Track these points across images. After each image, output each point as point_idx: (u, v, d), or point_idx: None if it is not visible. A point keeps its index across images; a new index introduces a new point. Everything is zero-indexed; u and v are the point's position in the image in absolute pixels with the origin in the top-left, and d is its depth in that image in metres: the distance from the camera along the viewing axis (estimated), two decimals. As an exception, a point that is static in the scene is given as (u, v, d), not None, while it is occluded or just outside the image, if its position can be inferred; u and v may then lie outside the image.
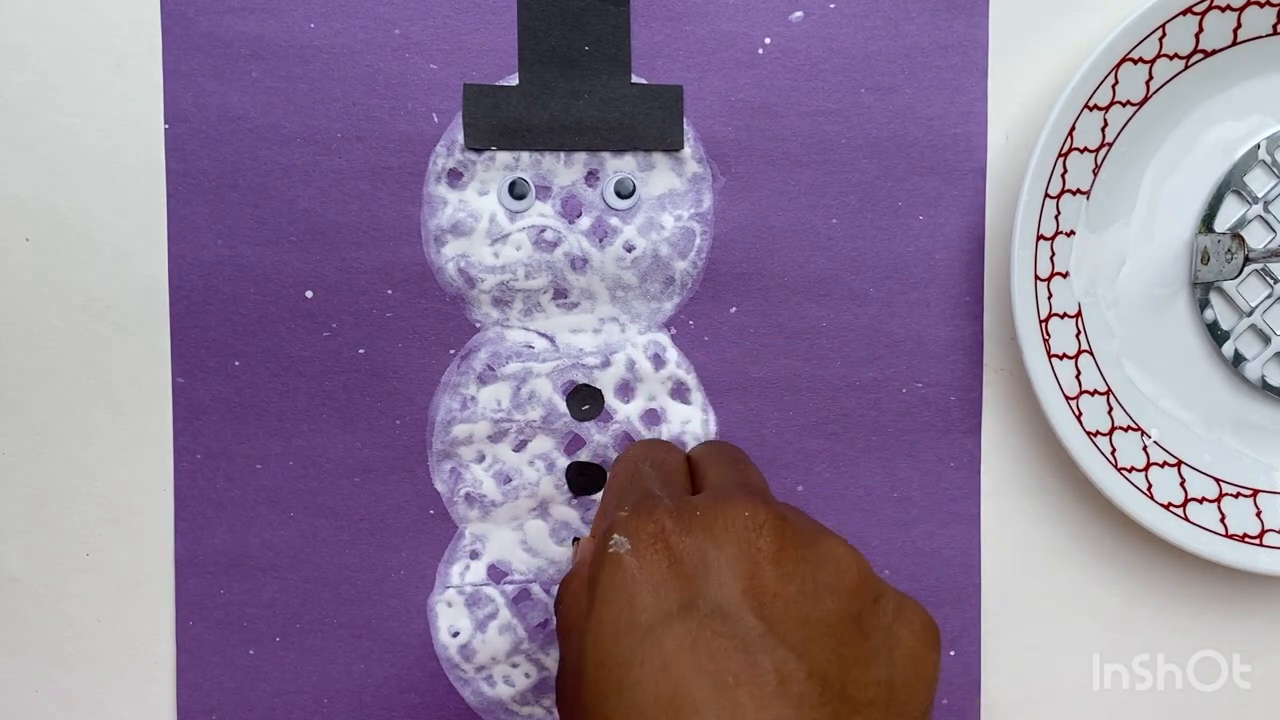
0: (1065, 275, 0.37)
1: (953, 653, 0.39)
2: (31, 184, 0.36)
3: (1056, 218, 0.36)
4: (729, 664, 0.24)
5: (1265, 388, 0.39)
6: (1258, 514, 0.38)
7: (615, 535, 0.27)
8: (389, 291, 0.37)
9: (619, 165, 0.37)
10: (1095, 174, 0.37)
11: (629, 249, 0.37)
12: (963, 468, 0.38)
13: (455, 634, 0.38)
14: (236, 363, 0.37)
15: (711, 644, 0.24)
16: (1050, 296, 0.37)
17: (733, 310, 0.37)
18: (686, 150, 0.37)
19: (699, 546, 0.26)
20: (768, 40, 0.37)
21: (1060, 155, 0.36)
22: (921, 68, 0.37)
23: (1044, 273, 0.36)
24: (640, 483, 0.31)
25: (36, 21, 0.36)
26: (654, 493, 0.29)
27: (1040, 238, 0.36)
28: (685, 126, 0.37)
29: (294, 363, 0.37)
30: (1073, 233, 0.37)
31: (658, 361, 0.37)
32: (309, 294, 0.37)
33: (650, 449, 0.34)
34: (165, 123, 0.36)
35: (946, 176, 0.37)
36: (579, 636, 0.27)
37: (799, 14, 0.37)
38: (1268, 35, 0.37)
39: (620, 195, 0.37)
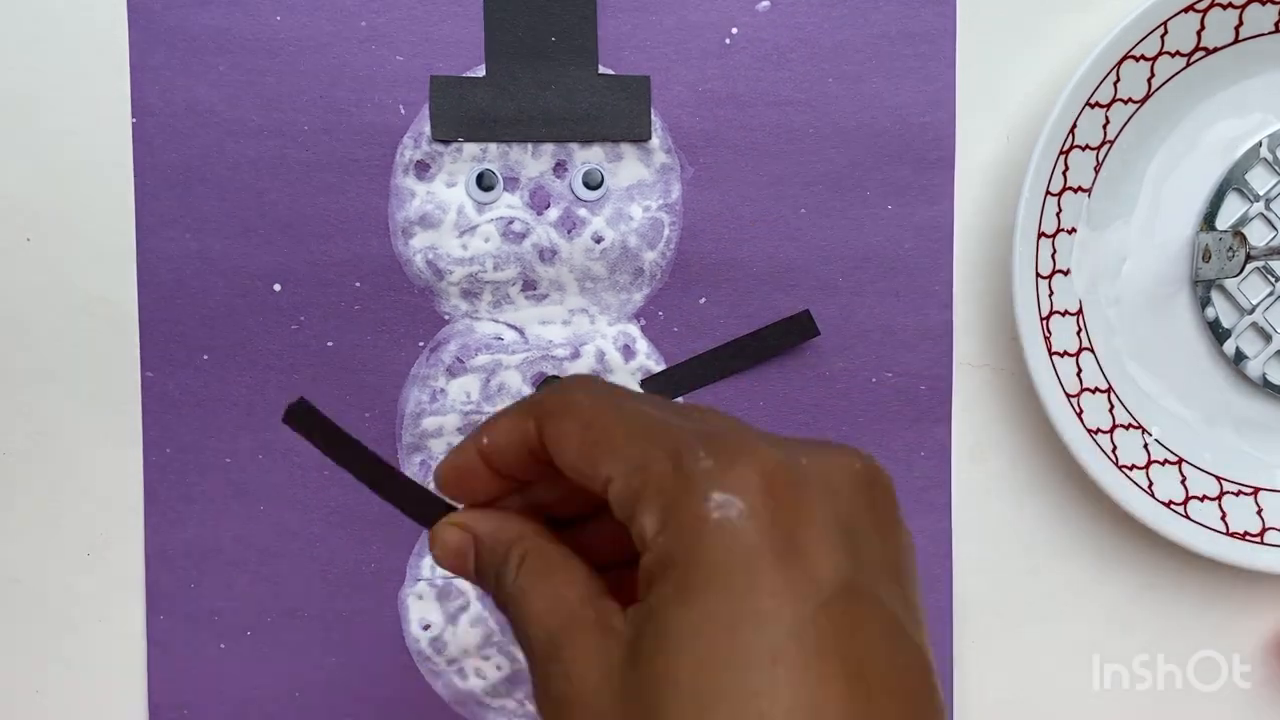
0: (1066, 273, 0.37)
1: (924, 644, 0.38)
2: (32, 184, 0.36)
3: (1058, 215, 0.36)
4: (874, 662, 0.20)
5: (1266, 385, 0.39)
6: (1258, 512, 0.38)
7: (715, 494, 0.21)
8: (357, 284, 0.37)
9: (587, 156, 0.37)
10: (1097, 171, 0.37)
11: (598, 240, 0.37)
12: (933, 456, 0.38)
13: (426, 627, 0.38)
14: (205, 356, 0.37)
15: (854, 635, 0.20)
16: (1051, 294, 0.37)
17: (702, 301, 0.37)
18: (654, 140, 0.37)
19: (820, 503, 0.21)
20: (735, 30, 0.37)
21: (1062, 153, 0.36)
22: (889, 57, 0.37)
23: (1045, 270, 0.36)
24: (667, 422, 0.23)
25: (38, 21, 0.36)
26: (724, 432, 0.23)
27: (1041, 235, 0.36)
28: (653, 117, 0.37)
29: (263, 356, 0.37)
30: (1074, 230, 0.37)
31: (628, 353, 0.37)
32: (277, 287, 0.37)
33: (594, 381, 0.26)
34: (132, 116, 0.36)
35: (915, 165, 0.37)
36: (573, 596, 0.23)
37: (766, 3, 0.37)
38: (1269, 33, 0.37)
39: (588, 186, 0.37)
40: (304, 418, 0.26)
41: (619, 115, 0.37)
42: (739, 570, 0.20)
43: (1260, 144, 0.38)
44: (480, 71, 0.36)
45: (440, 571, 0.37)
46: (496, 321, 0.37)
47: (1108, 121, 0.36)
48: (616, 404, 0.24)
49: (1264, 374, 0.39)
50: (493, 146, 0.37)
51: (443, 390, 0.37)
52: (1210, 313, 0.38)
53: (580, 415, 0.24)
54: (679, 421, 0.23)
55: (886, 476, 0.23)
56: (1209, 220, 0.38)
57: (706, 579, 0.20)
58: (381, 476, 0.27)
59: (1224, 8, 0.36)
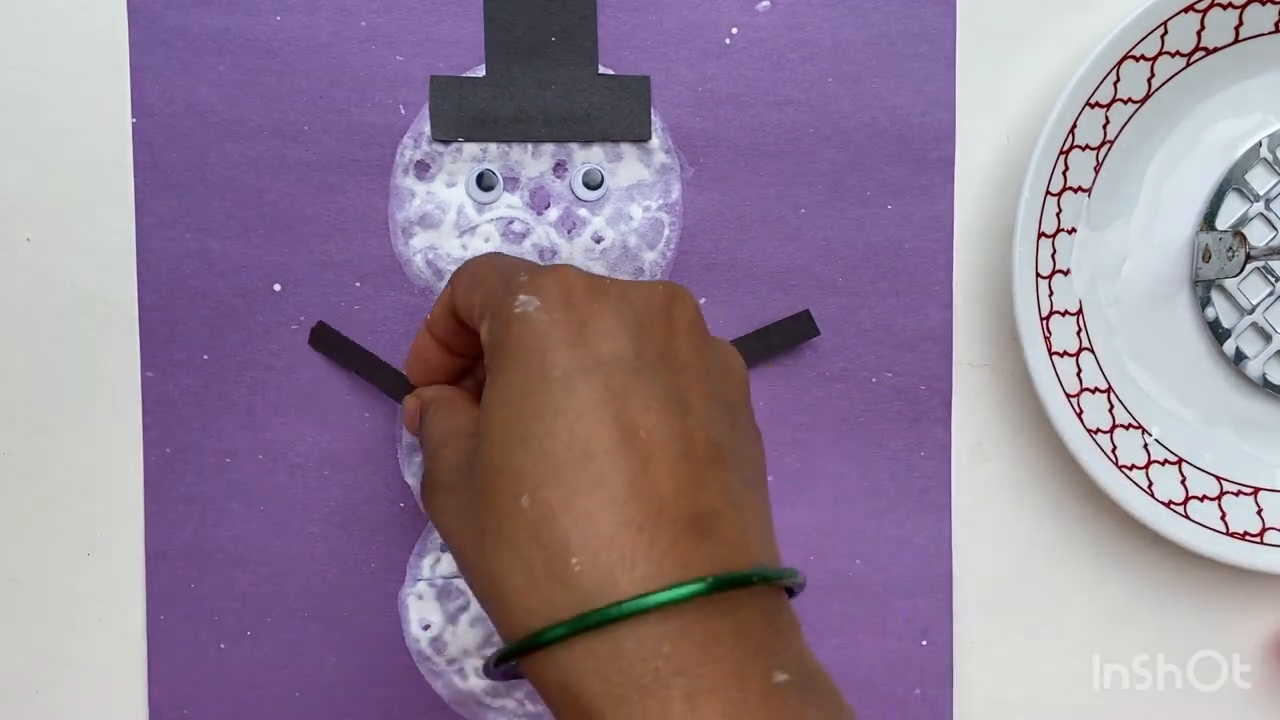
0: (1066, 273, 0.37)
1: (925, 642, 0.38)
2: (32, 184, 0.36)
3: (1058, 215, 0.36)
4: (643, 420, 0.25)
5: (1266, 385, 0.39)
6: (1258, 512, 0.38)
7: (520, 296, 0.27)
8: (357, 284, 0.37)
9: (587, 156, 0.37)
10: (1097, 171, 0.37)
11: (597, 240, 0.37)
12: (932, 456, 0.38)
13: (426, 627, 0.38)
14: (205, 356, 0.37)
15: (627, 400, 0.25)
16: (1051, 294, 0.37)
17: (702, 301, 0.37)
18: (654, 141, 0.37)
19: (615, 309, 0.27)
20: (735, 30, 0.37)
21: (1062, 153, 0.36)
22: (889, 56, 0.37)
23: (1045, 270, 0.36)
24: (520, 261, 0.30)
25: (38, 21, 0.36)
26: (542, 263, 0.29)
27: (1041, 235, 0.36)
28: (653, 117, 0.37)
29: (263, 356, 0.37)
30: (1074, 230, 0.37)
31: (627, 353, 0.37)
32: (277, 287, 0.37)
33: (501, 253, 0.34)
34: (132, 116, 0.36)
35: (915, 165, 0.37)
36: (463, 418, 0.29)
37: (765, 3, 0.37)
38: (1269, 33, 0.37)
39: (588, 186, 0.37)
40: (325, 339, 0.36)
41: (619, 115, 0.37)
42: (533, 350, 0.26)
43: (1260, 144, 0.38)
44: (480, 71, 0.36)
45: (440, 571, 0.38)
46: (496, 321, 0.37)
47: (1108, 121, 0.36)
48: (494, 258, 0.31)
49: (1264, 374, 0.39)
50: (493, 146, 0.37)
51: (443, 390, 0.37)
52: (1210, 313, 0.38)
53: (470, 269, 0.31)
54: (529, 264, 0.29)
55: (687, 296, 0.28)
56: (1209, 220, 0.38)
57: (510, 357, 0.26)
58: (392, 381, 0.36)
59: (1224, 8, 0.36)
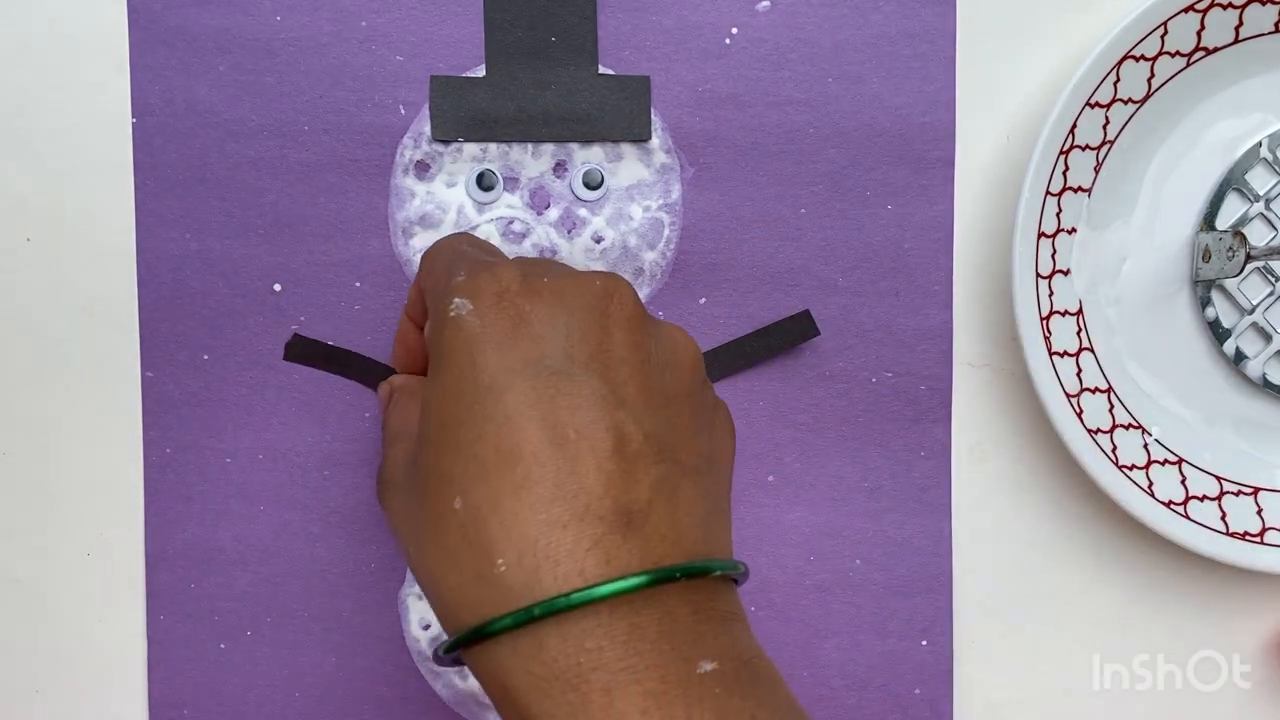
0: (1066, 273, 0.37)
1: (925, 643, 0.38)
2: (32, 184, 0.36)
3: (1058, 215, 0.36)
4: (572, 420, 0.25)
5: (1266, 385, 0.39)
6: (1258, 512, 0.38)
7: (455, 299, 0.27)
8: (357, 284, 0.37)
9: (587, 156, 0.37)
10: (1097, 171, 0.37)
11: (598, 240, 0.37)
12: (933, 457, 0.38)
13: (426, 626, 0.38)
14: (205, 356, 0.37)
15: (555, 401, 0.25)
16: (1051, 294, 0.37)
17: (702, 301, 0.37)
18: (654, 141, 0.37)
19: (548, 309, 0.27)
20: (735, 30, 0.37)
21: (1062, 153, 0.36)
22: (889, 57, 0.37)
23: (1045, 270, 0.36)
24: (468, 254, 0.30)
25: (38, 21, 0.36)
26: (489, 260, 0.29)
27: (1041, 235, 0.36)
28: (653, 117, 0.37)
29: (263, 356, 0.37)
30: (1074, 230, 0.37)
31: (627, 353, 0.37)
32: (277, 287, 0.37)
33: (465, 235, 0.34)
34: (132, 116, 0.36)
35: (915, 165, 0.37)
36: (416, 415, 0.28)
37: (765, 3, 0.37)
38: (1269, 33, 0.37)
39: (588, 186, 0.37)
40: (302, 349, 0.33)
41: (619, 115, 0.37)
42: (463, 354, 0.26)
43: (1260, 144, 0.38)
44: (480, 71, 0.36)
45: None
46: (497, 321, 0.37)
47: (1108, 121, 0.36)
48: (453, 244, 0.31)
49: (1264, 374, 0.39)
50: (493, 146, 0.37)
51: (443, 390, 0.37)
52: (1210, 313, 0.38)
53: (429, 256, 0.31)
54: (483, 256, 0.30)
55: (625, 290, 0.28)
56: (1209, 220, 0.38)
57: (444, 361, 0.27)
58: (374, 373, 0.34)
59: (1224, 8, 0.36)
